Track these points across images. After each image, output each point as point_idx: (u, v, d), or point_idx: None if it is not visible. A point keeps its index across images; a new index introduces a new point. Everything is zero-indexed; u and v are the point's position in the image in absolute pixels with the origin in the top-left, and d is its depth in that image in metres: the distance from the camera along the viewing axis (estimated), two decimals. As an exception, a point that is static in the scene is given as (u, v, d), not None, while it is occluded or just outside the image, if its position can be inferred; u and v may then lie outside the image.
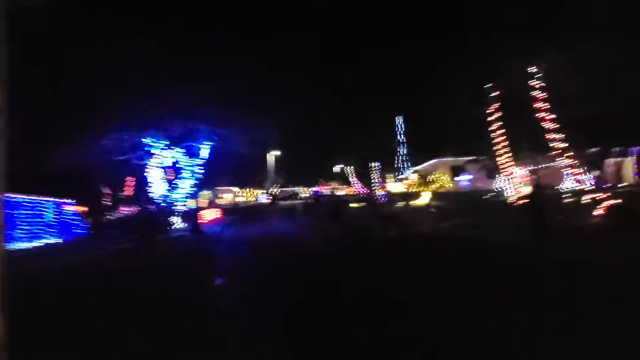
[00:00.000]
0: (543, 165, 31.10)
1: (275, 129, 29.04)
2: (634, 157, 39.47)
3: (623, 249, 11.01)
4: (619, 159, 39.70)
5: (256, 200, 70.99)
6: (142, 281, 10.72)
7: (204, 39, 26.14)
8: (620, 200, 15.57)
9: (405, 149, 71.94)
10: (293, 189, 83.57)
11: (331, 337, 6.18)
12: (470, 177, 43.06)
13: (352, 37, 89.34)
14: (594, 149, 33.02)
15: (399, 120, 70.38)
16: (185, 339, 6.35)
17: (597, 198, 16.14)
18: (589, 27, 17.52)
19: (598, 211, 15.70)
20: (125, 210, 40.64)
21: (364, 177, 59.48)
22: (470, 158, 39.80)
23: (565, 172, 39.15)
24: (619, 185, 16.80)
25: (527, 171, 27.76)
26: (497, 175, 41.29)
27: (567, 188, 35.41)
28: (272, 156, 63.57)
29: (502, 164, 23.70)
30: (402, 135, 70.24)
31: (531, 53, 18.88)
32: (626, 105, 24.43)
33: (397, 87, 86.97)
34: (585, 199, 16.55)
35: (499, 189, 40.37)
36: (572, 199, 23.43)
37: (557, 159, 17.96)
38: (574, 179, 17.52)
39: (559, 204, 19.57)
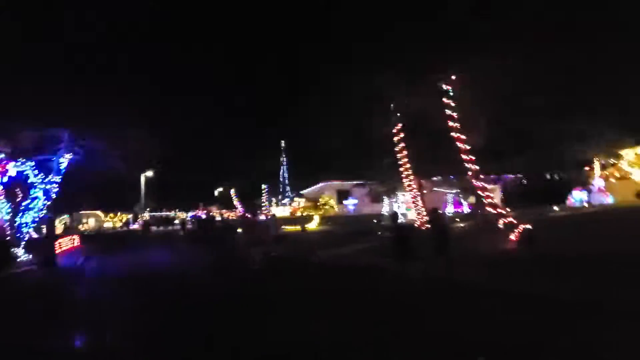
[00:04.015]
0: (425, 191, 31.59)
1: (151, 146, 25.33)
2: (501, 185, 42.85)
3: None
4: (490, 186, 42.73)
5: (126, 226, 64.09)
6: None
7: (73, 30, 21.70)
8: (529, 226, 15.30)
9: (287, 173, 70.67)
10: (168, 213, 77.45)
11: None
12: (356, 201, 42.81)
13: (240, 55, 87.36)
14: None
15: (284, 143, 68.85)
16: None
17: (509, 222, 15.74)
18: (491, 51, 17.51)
19: (511, 236, 15.36)
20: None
21: (247, 200, 56.92)
22: (357, 182, 39.50)
23: (447, 197, 40.97)
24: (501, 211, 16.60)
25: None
26: (383, 199, 41.71)
27: (450, 212, 36.88)
28: (146, 176, 57.85)
29: (407, 186, 22.96)
30: (286, 158, 68.79)
31: (435, 70, 18.28)
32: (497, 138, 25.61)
33: (283, 109, 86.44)
34: (500, 223, 16.07)
35: (386, 213, 40.69)
36: (466, 224, 23.72)
37: (472, 180, 17.31)
38: (487, 203, 16.92)
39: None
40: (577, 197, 28.78)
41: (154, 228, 56.45)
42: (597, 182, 29.24)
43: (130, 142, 20.80)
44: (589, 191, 29.16)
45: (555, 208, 26.65)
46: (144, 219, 62.95)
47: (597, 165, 30.98)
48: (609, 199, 27.67)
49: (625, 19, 21.56)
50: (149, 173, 56.94)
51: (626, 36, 21.81)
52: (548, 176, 37.54)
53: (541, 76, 21.99)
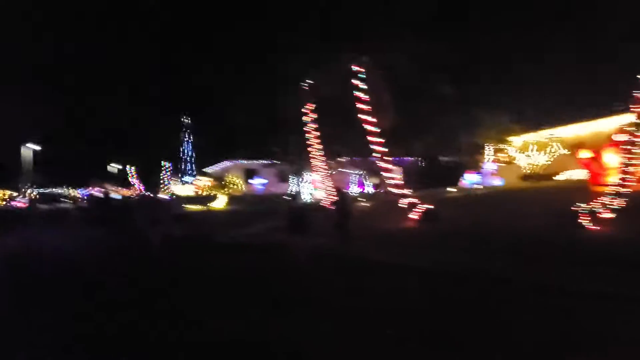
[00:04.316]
0: (332, 171, 32.16)
1: (36, 117, 22.98)
2: (402, 167, 44.84)
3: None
4: (392, 168, 44.50)
5: (9, 204, 58.15)
6: None
7: None
8: (430, 205, 16.14)
9: (190, 150, 68.24)
10: (58, 190, 71.44)
11: None
12: (263, 180, 42.56)
13: (143, 26, 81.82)
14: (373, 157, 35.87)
15: (187, 119, 66.15)
16: None
17: (411, 202, 16.45)
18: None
19: (412, 215, 16.10)
20: None
21: (147, 178, 54.33)
22: (265, 161, 39.28)
23: (352, 178, 42.02)
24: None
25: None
26: (291, 179, 41.74)
27: (354, 192, 37.89)
28: (29, 151, 52.71)
29: (315, 166, 23.08)
30: (190, 136, 66.30)
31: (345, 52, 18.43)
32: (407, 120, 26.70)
33: (188, 84, 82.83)
34: (402, 203, 16.73)
35: (293, 193, 40.80)
36: (369, 203, 24.55)
37: (379, 162, 17.80)
38: (393, 184, 17.56)
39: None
40: (470, 179, 30.93)
41: (42, 206, 51.86)
42: (488, 166, 31.62)
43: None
44: (481, 174, 31.45)
45: (451, 189, 28.46)
46: (31, 196, 57.52)
47: (487, 150, 33.43)
48: (498, 182, 30.06)
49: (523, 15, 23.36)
50: (35, 146, 52.11)
51: (522, 32, 23.63)
52: (443, 159, 39.97)
53: (440, 65, 23.24)
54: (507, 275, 8.54)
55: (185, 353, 5.62)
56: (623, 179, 11.96)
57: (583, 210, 11.71)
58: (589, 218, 11.46)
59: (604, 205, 11.73)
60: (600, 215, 11.56)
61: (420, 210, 15.93)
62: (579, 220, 11.52)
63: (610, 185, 12.52)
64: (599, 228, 11.26)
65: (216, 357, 5.50)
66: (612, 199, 11.74)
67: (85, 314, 7.66)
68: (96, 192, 57.97)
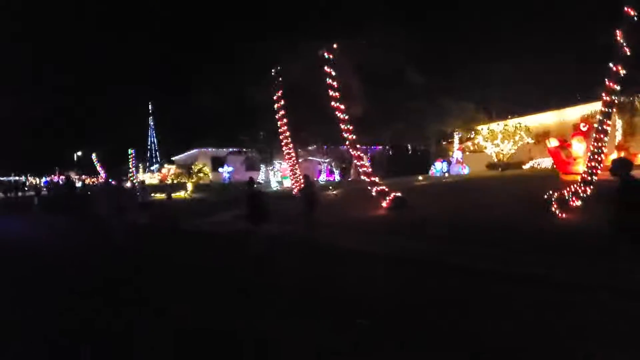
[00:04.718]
0: (301, 159, 31.87)
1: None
2: (369, 156, 44.88)
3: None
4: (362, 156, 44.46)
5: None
6: None
7: None
8: (399, 193, 16.06)
9: (156, 138, 66.78)
10: (17, 178, 68.74)
11: None
12: (231, 168, 41.88)
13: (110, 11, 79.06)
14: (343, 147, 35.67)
15: (152, 105, 64.63)
16: None
17: (380, 190, 16.31)
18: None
19: (381, 203, 16.00)
20: None
21: (111, 166, 52.67)
22: (233, 149, 38.60)
23: (320, 166, 41.78)
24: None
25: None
26: (260, 167, 41.13)
27: (322, 180, 37.67)
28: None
29: (286, 154, 22.67)
30: (155, 122, 64.82)
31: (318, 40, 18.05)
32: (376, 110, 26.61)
33: (155, 69, 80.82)
34: (373, 190, 16.55)
35: (263, 181, 40.23)
36: (337, 191, 24.41)
37: (350, 150, 17.60)
38: (361, 172, 17.42)
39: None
40: (438, 167, 31.07)
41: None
42: (456, 154, 31.87)
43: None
44: (449, 162, 31.66)
45: (419, 177, 28.59)
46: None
47: (456, 138, 33.74)
48: (465, 170, 30.31)
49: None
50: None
51: (491, 22, 23.80)
52: (412, 148, 40.22)
53: (410, 54, 23.19)
54: (476, 263, 8.50)
55: (150, 342, 5.34)
56: (591, 167, 12.02)
57: (553, 198, 11.79)
58: (559, 206, 11.51)
59: (573, 193, 11.83)
60: (571, 204, 11.63)
61: (389, 198, 15.84)
62: (552, 209, 11.55)
63: (579, 173, 12.65)
64: (566, 216, 11.31)
65: (182, 345, 5.21)
66: (582, 187, 11.85)
67: (47, 302, 7.29)
68: (59, 179, 56.07)
